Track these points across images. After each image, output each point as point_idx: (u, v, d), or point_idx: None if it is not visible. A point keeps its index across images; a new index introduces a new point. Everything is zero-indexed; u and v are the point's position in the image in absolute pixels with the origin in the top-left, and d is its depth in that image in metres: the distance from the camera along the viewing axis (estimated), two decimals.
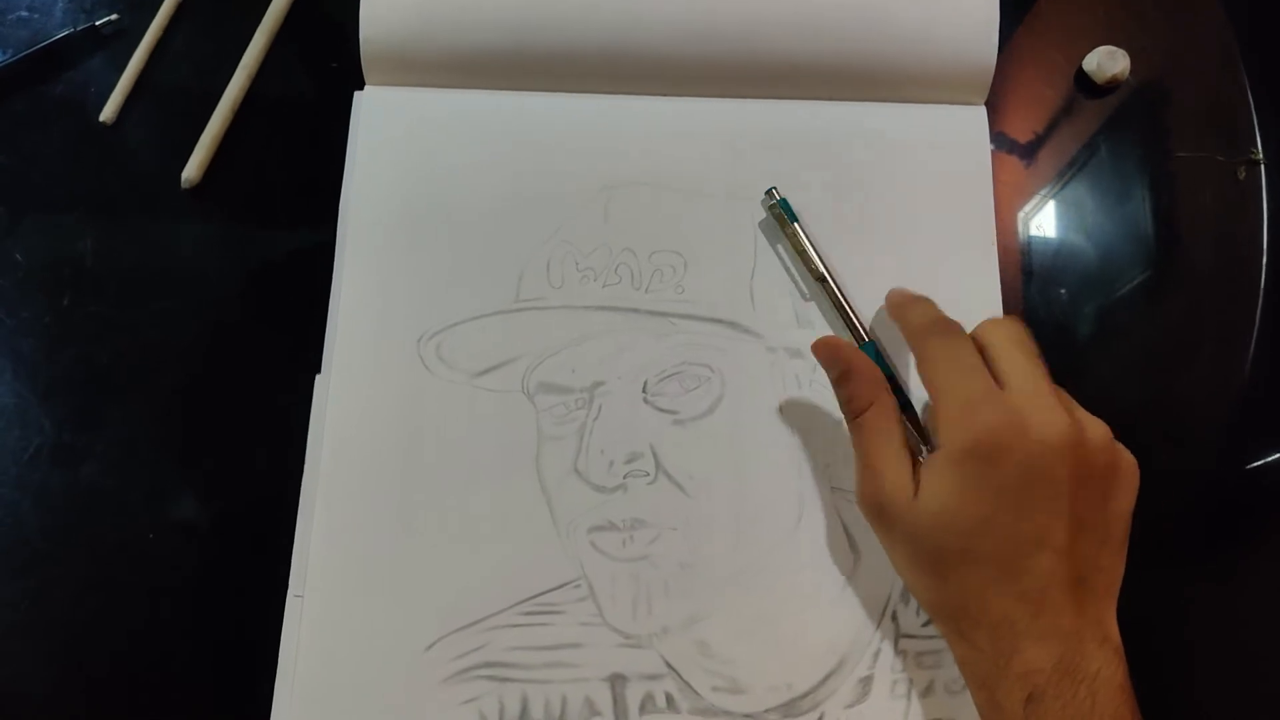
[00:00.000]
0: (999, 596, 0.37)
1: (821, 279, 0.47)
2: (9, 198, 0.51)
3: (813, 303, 0.48)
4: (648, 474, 0.45)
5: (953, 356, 0.41)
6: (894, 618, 0.44)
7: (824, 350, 0.44)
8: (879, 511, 0.40)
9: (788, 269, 0.49)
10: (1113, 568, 0.39)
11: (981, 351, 0.41)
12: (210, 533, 0.45)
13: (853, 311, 0.47)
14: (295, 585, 0.44)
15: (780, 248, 0.49)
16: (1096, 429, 0.39)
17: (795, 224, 0.48)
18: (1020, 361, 0.40)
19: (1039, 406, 0.38)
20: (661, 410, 0.46)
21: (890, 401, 0.42)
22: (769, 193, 0.49)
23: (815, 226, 0.49)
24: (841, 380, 0.43)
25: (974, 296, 0.49)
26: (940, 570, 0.39)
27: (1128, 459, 0.40)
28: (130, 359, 0.48)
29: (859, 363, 0.43)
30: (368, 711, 0.42)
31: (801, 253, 0.48)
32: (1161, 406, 0.49)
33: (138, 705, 0.43)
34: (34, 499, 0.46)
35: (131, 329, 0.48)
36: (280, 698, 0.42)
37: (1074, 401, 0.40)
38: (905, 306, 0.45)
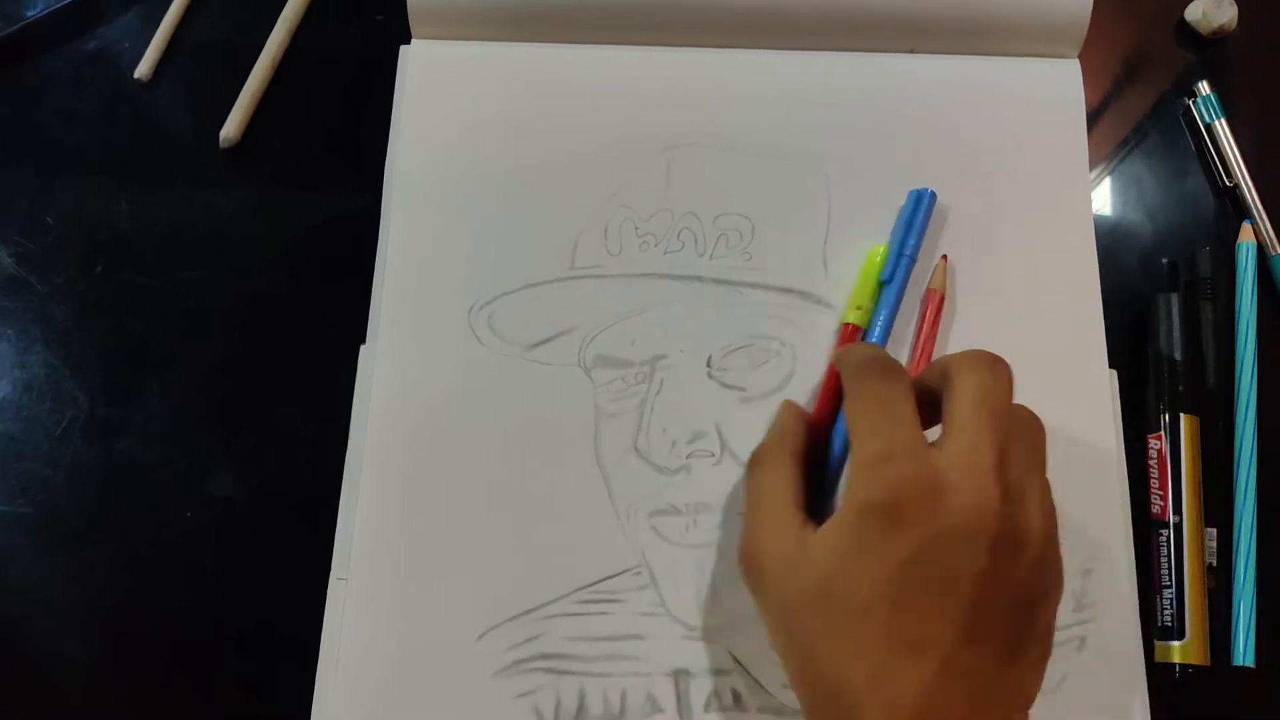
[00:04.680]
0: (866, 704, 0.30)
1: (1233, 189, 0.46)
2: (40, 158, 0.49)
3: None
4: (713, 454, 0.42)
5: (881, 400, 0.34)
6: None
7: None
8: (750, 571, 0.36)
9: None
10: (1020, 686, 0.32)
11: (939, 398, 0.34)
12: (250, 511, 0.43)
13: (1266, 225, 0.45)
14: (338, 568, 0.41)
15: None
16: (1034, 519, 0.32)
17: (1219, 120, 0.46)
18: (969, 416, 0.33)
19: (967, 473, 0.31)
20: (728, 386, 0.43)
21: (798, 438, 0.38)
22: (1196, 87, 0.48)
23: (896, 189, 0.45)
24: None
25: (1068, 262, 0.45)
26: (807, 654, 0.33)
27: (1058, 566, 0.33)
28: (167, 328, 0.46)
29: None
30: (415, 703, 0.40)
31: (1217, 155, 0.46)
32: None
33: (174, 689, 0.41)
34: (67, 474, 0.44)
35: (168, 296, 0.46)
36: (322, 685, 0.40)
37: (1034, 485, 0.33)
38: (847, 349, 0.40)
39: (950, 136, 0.47)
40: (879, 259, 0.44)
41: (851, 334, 0.43)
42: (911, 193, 0.45)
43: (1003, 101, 0.47)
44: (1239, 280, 0.46)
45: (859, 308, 0.43)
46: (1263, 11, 0.50)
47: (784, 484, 0.36)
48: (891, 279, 0.44)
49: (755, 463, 0.38)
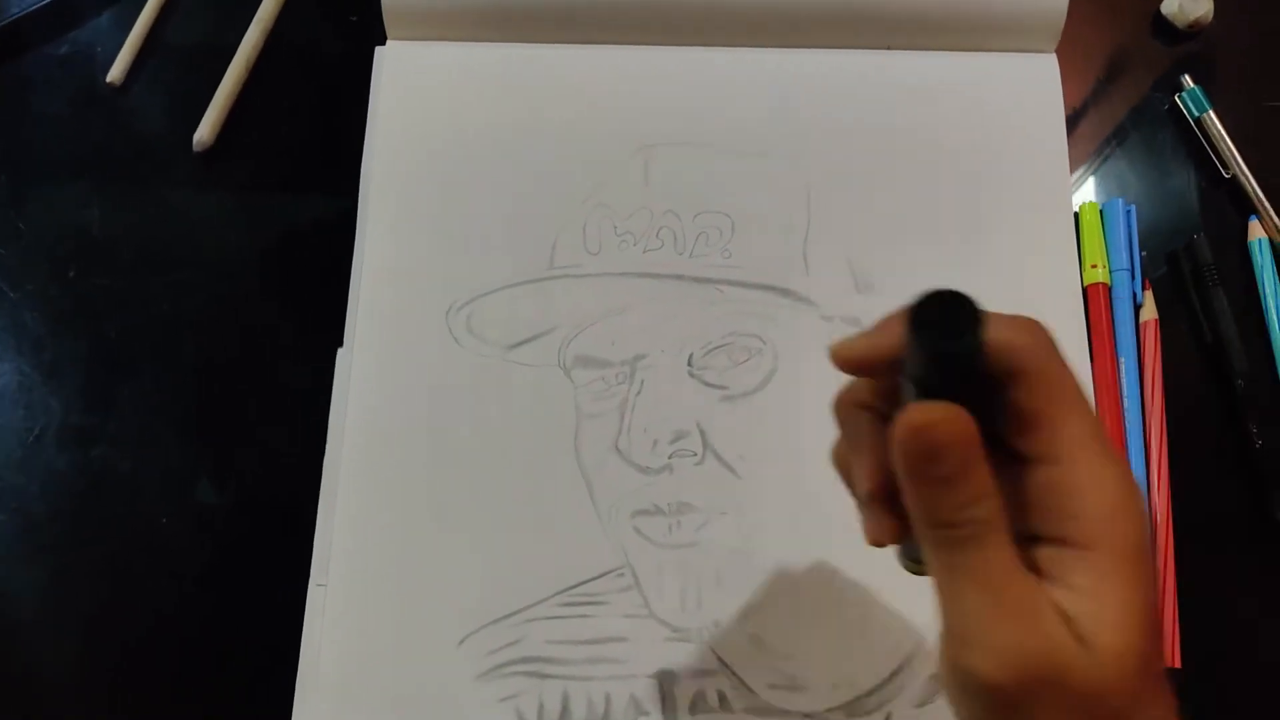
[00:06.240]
0: None
1: (1231, 180, 0.46)
2: (12, 163, 0.48)
3: (874, 265, 0.45)
4: (695, 454, 0.42)
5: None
6: None
7: (915, 437, 0.25)
8: (1037, 681, 0.24)
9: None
10: None
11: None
12: (228, 518, 0.43)
13: (1272, 213, 0.45)
14: (317, 574, 0.41)
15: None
16: None
17: (1208, 113, 0.46)
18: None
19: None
20: (709, 385, 0.43)
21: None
22: (1180, 81, 0.48)
23: (874, 185, 0.45)
24: (943, 482, 0.25)
25: (1048, 255, 0.45)
26: None
27: None
28: (141, 334, 0.45)
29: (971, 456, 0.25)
30: (396, 708, 0.39)
31: (1211, 147, 0.46)
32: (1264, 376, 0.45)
33: (154, 698, 0.41)
34: (41, 483, 0.43)
35: (142, 302, 0.46)
36: (302, 693, 0.39)
37: None
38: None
39: (930, 132, 0.47)
40: (1096, 214, 0.46)
41: (1105, 293, 0.44)
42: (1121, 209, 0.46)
43: (981, 97, 0.47)
44: (1259, 277, 0.45)
45: (1095, 266, 0.44)
46: (1237, 5, 0.50)
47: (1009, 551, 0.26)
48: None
49: (976, 532, 0.25)
